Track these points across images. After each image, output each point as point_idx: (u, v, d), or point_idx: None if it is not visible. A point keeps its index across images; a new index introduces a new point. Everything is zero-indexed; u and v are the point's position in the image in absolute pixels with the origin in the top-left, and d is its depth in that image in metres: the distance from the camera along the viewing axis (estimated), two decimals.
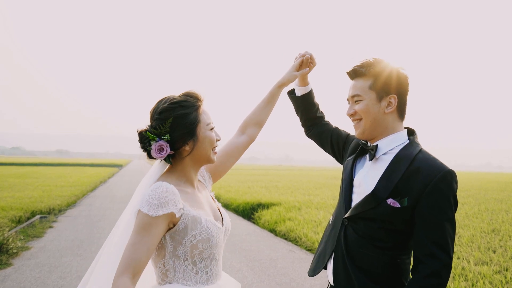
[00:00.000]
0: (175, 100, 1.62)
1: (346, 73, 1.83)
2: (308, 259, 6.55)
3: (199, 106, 1.66)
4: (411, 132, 1.83)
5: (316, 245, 6.99)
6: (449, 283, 4.74)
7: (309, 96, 2.18)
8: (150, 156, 1.61)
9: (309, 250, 7.10)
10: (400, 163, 1.68)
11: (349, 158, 1.94)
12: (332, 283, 1.83)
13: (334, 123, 2.25)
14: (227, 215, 1.81)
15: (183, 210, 1.53)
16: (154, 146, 1.57)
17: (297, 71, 2.06)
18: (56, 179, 22.62)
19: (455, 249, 6.32)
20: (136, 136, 1.63)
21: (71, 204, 12.96)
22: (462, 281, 4.86)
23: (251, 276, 5.59)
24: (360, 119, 1.78)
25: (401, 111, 1.79)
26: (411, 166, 1.66)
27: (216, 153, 1.73)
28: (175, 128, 1.59)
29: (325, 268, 1.89)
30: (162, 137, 1.58)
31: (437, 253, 1.59)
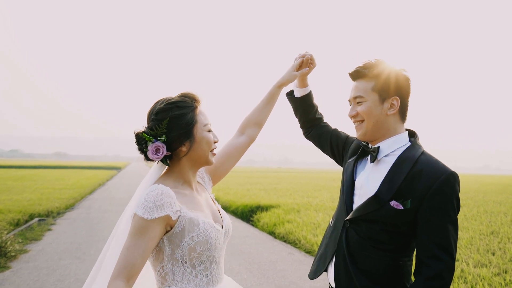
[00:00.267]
0: (171, 101, 1.62)
1: (348, 74, 1.82)
2: (307, 261, 6.54)
3: (196, 107, 1.65)
4: (412, 134, 1.83)
5: (315, 247, 6.97)
6: None
7: (308, 98, 2.17)
8: (147, 158, 1.60)
9: (308, 252, 7.09)
10: (403, 165, 1.67)
11: (350, 160, 1.93)
12: (333, 285, 1.82)
13: (332, 125, 2.25)
14: (228, 217, 1.80)
15: (180, 212, 1.52)
16: (150, 147, 1.57)
17: (297, 71, 2.05)
18: (54, 182, 22.58)
19: None
20: (134, 139, 1.62)
21: (69, 207, 12.93)
22: (461, 283, 4.86)
23: (250, 278, 5.57)
24: (362, 121, 1.77)
25: (403, 113, 1.78)
26: (414, 168, 1.66)
27: (214, 154, 1.72)
28: (171, 129, 1.58)
29: (325, 270, 1.88)
30: (159, 138, 1.58)
31: (440, 255, 1.58)
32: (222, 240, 1.66)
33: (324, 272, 1.90)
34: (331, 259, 1.84)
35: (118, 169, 57.67)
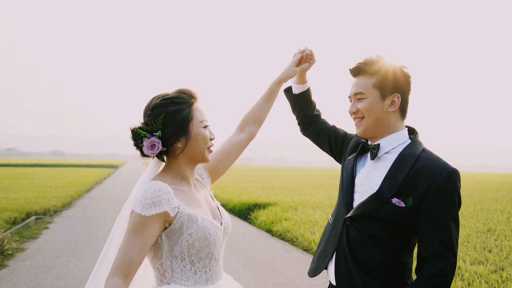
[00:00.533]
0: (168, 97, 1.61)
1: (349, 70, 1.81)
2: (305, 259, 6.55)
3: (193, 103, 1.64)
4: (411, 131, 1.82)
5: (313, 245, 6.98)
6: None
7: (306, 94, 2.15)
8: (142, 154, 1.60)
9: (306, 250, 7.09)
10: (404, 162, 1.67)
11: (349, 157, 1.92)
12: (334, 283, 1.81)
13: (330, 121, 2.23)
14: (227, 214, 1.79)
15: (178, 209, 1.51)
16: (146, 143, 1.56)
17: (297, 67, 2.04)
18: (51, 180, 22.51)
19: None
20: (129, 134, 1.62)
21: (66, 205, 12.89)
22: (458, 280, 4.87)
23: (248, 276, 5.58)
24: (363, 117, 1.76)
25: (403, 110, 1.78)
26: (415, 165, 1.65)
27: (211, 151, 1.71)
28: (167, 124, 1.57)
29: (325, 268, 1.88)
30: (154, 133, 1.57)
31: (442, 252, 1.58)
32: (221, 237, 1.65)
33: (323, 270, 1.90)
34: (331, 257, 1.82)
35: (115, 167, 57.56)
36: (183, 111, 1.59)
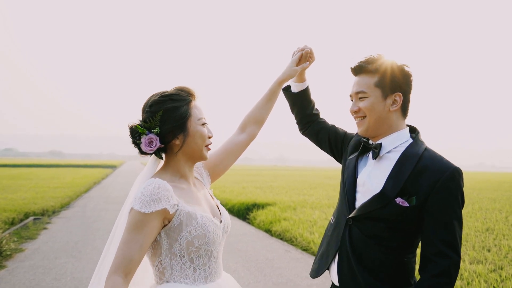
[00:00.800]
0: (166, 94, 1.62)
1: (350, 69, 1.80)
2: (304, 259, 6.55)
3: (191, 100, 1.64)
4: (412, 130, 1.81)
5: (312, 245, 6.98)
6: None
7: (305, 93, 2.14)
8: (140, 151, 1.60)
9: (305, 250, 7.09)
10: (407, 162, 1.66)
11: (351, 157, 1.91)
12: (337, 284, 1.80)
13: (328, 120, 2.22)
14: (226, 212, 1.79)
15: (177, 206, 1.51)
16: (143, 139, 1.56)
17: (297, 65, 2.03)
18: (49, 180, 22.47)
19: None
20: (128, 132, 1.62)
21: (65, 206, 12.87)
22: (457, 279, 4.88)
23: (247, 276, 5.57)
24: (364, 117, 1.75)
25: (404, 109, 1.77)
26: (418, 164, 1.64)
27: (209, 149, 1.71)
28: (165, 121, 1.58)
29: (327, 269, 1.86)
30: (152, 130, 1.57)
31: (446, 251, 1.57)
32: (220, 235, 1.65)
33: (326, 271, 1.89)
34: (334, 257, 1.81)
35: (113, 167, 57.49)
36: (181, 108, 1.60)
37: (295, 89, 2.14)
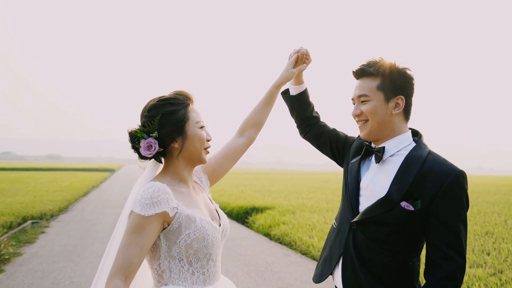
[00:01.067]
0: (164, 98, 1.64)
1: (352, 72, 1.80)
2: (303, 263, 6.54)
3: (189, 104, 1.66)
4: (415, 133, 1.81)
5: (311, 249, 6.97)
6: None
7: (304, 95, 2.13)
8: (140, 156, 1.61)
9: (304, 254, 7.08)
10: (411, 165, 1.66)
11: (353, 161, 1.90)
12: None
13: (327, 122, 2.21)
14: (225, 216, 1.80)
15: (177, 209, 1.52)
16: (142, 144, 1.58)
17: (294, 68, 2.03)
18: (47, 184, 22.41)
19: None
20: (127, 136, 1.63)
21: (63, 209, 12.83)
22: None
23: (247, 280, 5.56)
24: (366, 120, 1.75)
25: (407, 112, 1.77)
26: (422, 168, 1.64)
27: (208, 152, 1.72)
28: (163, 125, 1.59)
29: (330, 273, 1.86)
30: (151, 134, 1.59)
31: (452, 255, 1.57)
32: (219, 238, 1.66)
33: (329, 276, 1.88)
34: (338, 262, 1.81)
35: (111, 171, 57.39)
36: (179, 112, 1.61)
37: (293, 91, 2.14)
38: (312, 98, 2.19)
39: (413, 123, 1.83)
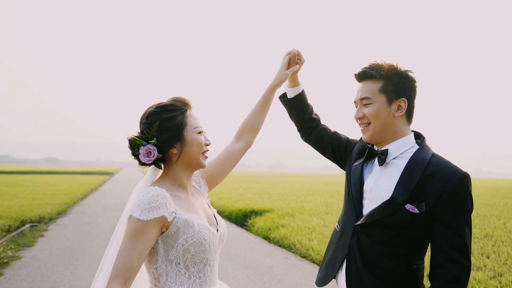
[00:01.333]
0: (162, 104, 1.66)
1: (354, 75, 1.80)
2: (303, 265, 6.53)
3: (186, 110, 1.68)
4: (417, 136, 1.82)
5: (311, 251, 6.96)
6: None
7: (301, 97, 2.13)
8: (140, 162, 1.63)
9: (304, 256, 7.07)
10: (416, 168, 1.66)
11: (356, 163, 1.90)
12: None
13: (326, 125, 2.20)
14: (223, 221, 1.81)
15: (175, 214, 1.54)
16: (142, 150, 1.60)
17: (287, 69, 2.04)
18: (46, 187, 22.36)
19: None
20: (127, 144, 1.66)
21: (62, 213, 12.80)
22: None
23: (247, 283, 5.55)
24: (369, 123, 1.75)
25: (409, 114, 1.77)
26: (426, 170, 1.64)
27: (206, 157, 1.73)
28: (161, 131, 1.61)
29: (333, 277, 1.85)
30: (150, 141, 1.61)
31: (457, 257, 1.58)
32: (216, 243, 1.68)
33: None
34: (341, 265, 1.80)
35: (110, 174, 57.33)
36: (177, 118, 1.63)
37: (290, 94, 2.14)
38: (312, 100, 2.20)
39: (411, 126, 1.84)
